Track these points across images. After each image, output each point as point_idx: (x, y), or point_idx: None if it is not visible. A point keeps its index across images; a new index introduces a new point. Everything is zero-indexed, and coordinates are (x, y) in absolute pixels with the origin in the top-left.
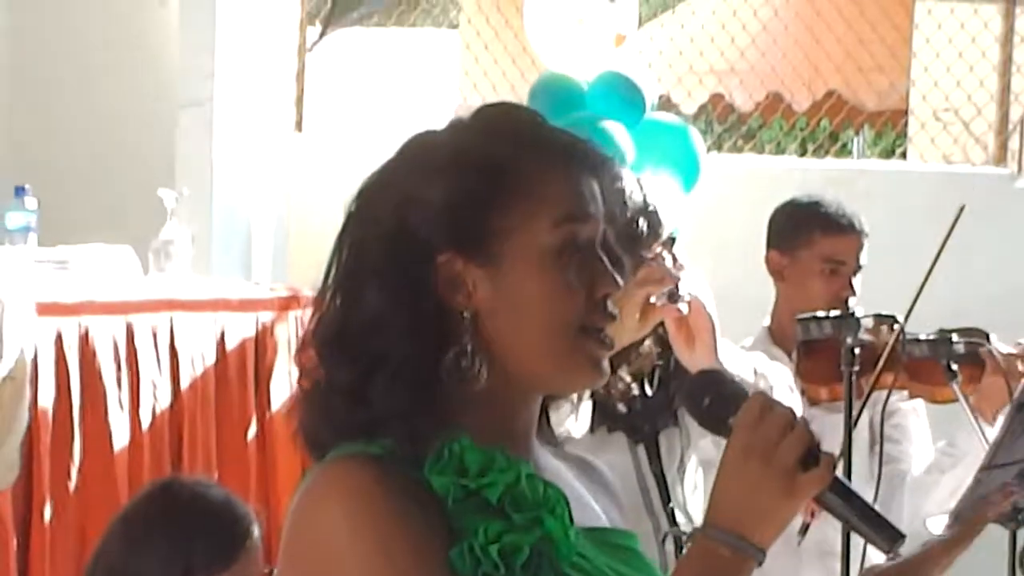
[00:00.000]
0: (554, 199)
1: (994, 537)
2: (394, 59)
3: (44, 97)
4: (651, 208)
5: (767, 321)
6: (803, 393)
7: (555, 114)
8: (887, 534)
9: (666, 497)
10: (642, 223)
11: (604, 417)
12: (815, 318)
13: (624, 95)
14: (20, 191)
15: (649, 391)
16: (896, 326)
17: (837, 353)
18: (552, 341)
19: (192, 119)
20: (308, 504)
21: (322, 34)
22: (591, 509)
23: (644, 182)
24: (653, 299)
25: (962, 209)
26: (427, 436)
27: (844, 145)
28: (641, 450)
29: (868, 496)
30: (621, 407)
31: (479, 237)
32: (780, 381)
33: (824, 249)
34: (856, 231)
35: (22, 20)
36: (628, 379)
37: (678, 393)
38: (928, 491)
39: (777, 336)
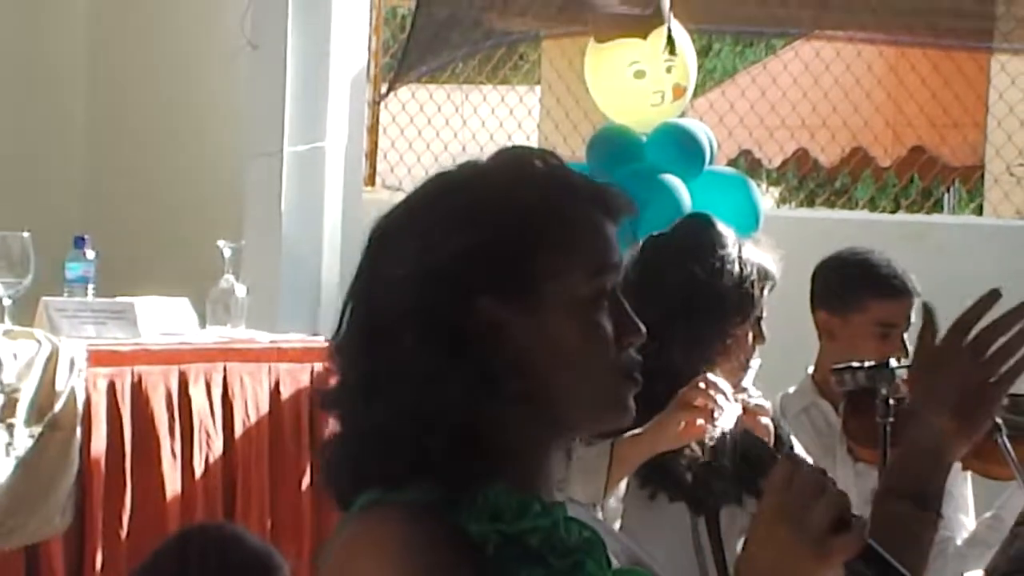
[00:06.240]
0: (590, 248)
1: None
2: (468, 113)
3: (117, 150)
4: (769, 275)
5: (811, 369)
6: (849, 451)
7: (613, 166)
8: None
9: (723, 572)
10: (755, 288)
11: (667, 485)
12: (851, 368)
13: (682, 147)
14: (80, 241)
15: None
16: None
17: None
18: (591, 384)
19: (261, 171)
20: (343, 560)
21: (390, 88)
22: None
23: (750, 247)
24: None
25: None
26: (467, 482)
27: (937, 202)
28: (701, 523)
29: None
30: (687, 476)
31: (522, 282)
32: None
33: (878, 314)
34: (908, 293)
35: (98, 75)
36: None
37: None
38: (969, 565)
39: (822, 388)
